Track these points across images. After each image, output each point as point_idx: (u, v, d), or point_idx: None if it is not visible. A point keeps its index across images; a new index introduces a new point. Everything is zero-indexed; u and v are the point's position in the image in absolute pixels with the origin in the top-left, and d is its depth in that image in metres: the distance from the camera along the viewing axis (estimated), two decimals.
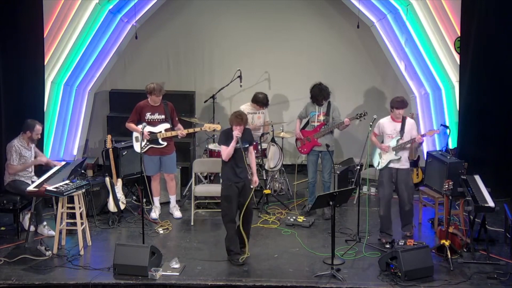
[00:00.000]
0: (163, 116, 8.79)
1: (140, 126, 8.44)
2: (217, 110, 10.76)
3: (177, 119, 8.95)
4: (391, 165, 8.12)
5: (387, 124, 8.18)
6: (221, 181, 7.74)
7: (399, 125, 8.10)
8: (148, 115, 8.76)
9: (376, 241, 8.16)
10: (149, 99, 8.77)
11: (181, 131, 8.78)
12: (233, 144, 7.46)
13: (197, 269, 7.40)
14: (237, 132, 7.45)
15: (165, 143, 8.79)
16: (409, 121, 8.15)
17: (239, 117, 7.48)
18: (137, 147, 8.74)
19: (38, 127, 8.29)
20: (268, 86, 10.96)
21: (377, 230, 8.47)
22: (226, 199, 7.56)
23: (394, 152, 8.07)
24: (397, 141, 8.07)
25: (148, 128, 8.68)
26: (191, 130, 9.07)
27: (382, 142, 8.26)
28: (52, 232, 8.21)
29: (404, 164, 8.13)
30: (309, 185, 9.16)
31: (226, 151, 7.50)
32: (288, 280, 7.15)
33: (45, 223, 8.36)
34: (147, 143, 8.72)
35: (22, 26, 9.07)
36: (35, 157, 8.39)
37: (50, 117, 9.85)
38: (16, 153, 8.14)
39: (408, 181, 8.18)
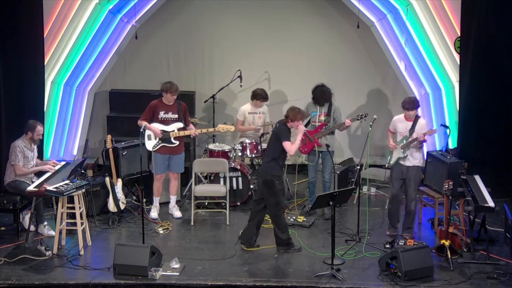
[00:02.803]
0: (176, 116, 8.81)
1: (143, 126, 8.48)
2: (217, 110, 10.75)
3: (189, 119, 8.99)
4: (401, 162, 8.23)
5: (400, 123, 8.32)
6: (263, 175, 7.92)
7: (410, 123, 8.20)
8: (161, 114, 8.78)
9: (376, 241, 8.16)
10: (163, 97, 8.79)
11: (194, 131, 8.82)
12: (300, 137, 7.90)
13: (197, 269, 7.40)
14: (303, 127, 7.94)
15: (177, 142, 8.82)
16: (421, 122, 8.24)
17: (303, 113, 7.96)
18: (149, 145, 8.77)
19: (39, 127, 8.30)
20: (268, 86, 10.95)
21: (377, 230, 8.51)
22: (283, 193, 8.00)
23: (401, 150, 8.16)
24: (405, 139, 8.16)
25: (161, 127, 8.71)
26: (204, 130, 9.10)
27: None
28: (52, 232, 8.21)
29: (415, 162, 8.22)
30: (309, 185, 9.16)
31: (294, 146, 7.86)
32: (288, 280, 7.15)
33: (45, 223, 8.36)
34: (159, 142, 8.75)
35: (22, 26, 9.07)
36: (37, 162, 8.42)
37: (50, 117, 9.85)
38: (20, 153, 8.14)
39: (416, 180, 8.24)
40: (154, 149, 8.73)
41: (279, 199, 7.85)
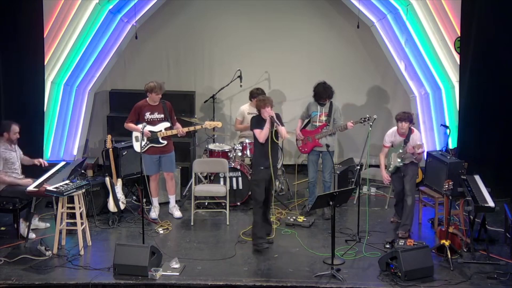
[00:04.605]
0: (162, 115, 8.80)
1: (140, 126, 8.45)
2: (217, 110, 10.76)
3: (175, 117, 8.97)
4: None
5: (393, 137, 8.38)
6: (251, 166, 8.10)
7: (403, 140, 8.28)
8: (147, 115, 8.76)
9: (376, 241, 8.16)
10: (148, 98, 8.77)
11: (181, 130, 8.80)
12: (267, 125, 7.76)
13: (197, 269, 7.40)
14: (269, 112, 7.75)
15: (165, 142, 8.81)
16: (414, 137, 8.25)
17: (263, 100, 7.83)
18: (137, 146, 8.75)
19: (14, 126, 8.08)
20: (268, 86, 10.95)
21: (377, 230, 8.51)
22: (257, 184, 7.87)
23: (398, 160, 8.22)
24: (400, 149, 8.24)
25: (148, 128, 8.69)
26: (191, 128, 9.08)
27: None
28: (47, 224, 8.35)
29: (411, 159, 8.27)
30: (309, 185, 9.16)
31: (263, 133, 7.78)
32: (288, 280, 7.15)
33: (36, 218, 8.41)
34: (147, 143, 8.74)
35: (22, 26, 9.07)
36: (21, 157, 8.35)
37: (50, 117, 9.85)
38: (0, 159, 7.97)
39: (412, 174, 8.26)
40: (142, 150, 8.61)
41: (252, 189, 7.98)
